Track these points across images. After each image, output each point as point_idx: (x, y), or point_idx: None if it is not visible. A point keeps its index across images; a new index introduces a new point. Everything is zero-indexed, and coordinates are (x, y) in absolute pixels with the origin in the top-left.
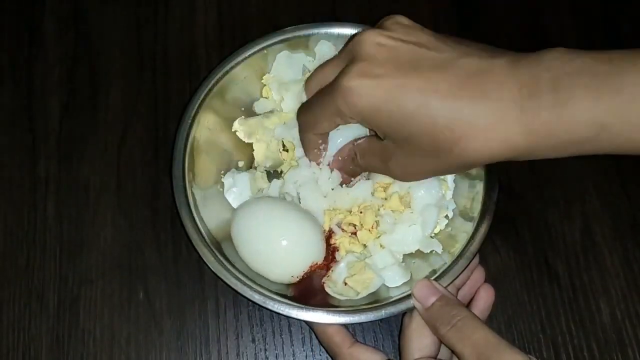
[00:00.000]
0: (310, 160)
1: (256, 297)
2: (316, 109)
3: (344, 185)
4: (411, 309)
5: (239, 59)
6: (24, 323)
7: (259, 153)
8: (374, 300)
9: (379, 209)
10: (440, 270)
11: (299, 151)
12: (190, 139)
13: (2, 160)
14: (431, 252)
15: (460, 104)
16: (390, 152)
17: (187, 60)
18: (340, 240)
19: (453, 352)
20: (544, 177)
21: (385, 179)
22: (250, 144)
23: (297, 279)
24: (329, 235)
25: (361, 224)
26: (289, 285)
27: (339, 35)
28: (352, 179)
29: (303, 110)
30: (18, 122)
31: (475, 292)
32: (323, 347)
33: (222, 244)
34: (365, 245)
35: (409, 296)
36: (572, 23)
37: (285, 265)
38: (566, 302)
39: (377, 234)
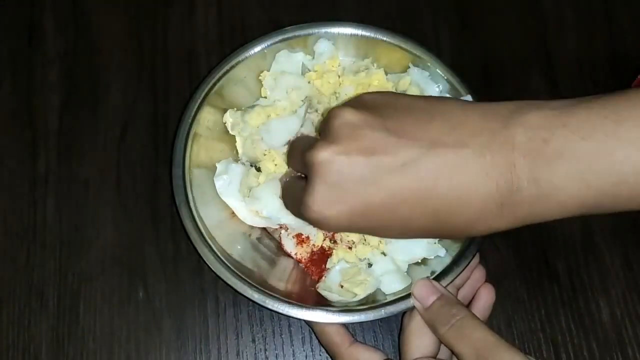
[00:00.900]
0: None
1: (255, 297)
2: (291, 205)
3: None
4: (411, 309)
5: (239, 58)
6: (24, 321)
7: (238, 146)
8: (373, 300)
9: None
10: (440, 270)
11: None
12: (190, 138)
13: (2, 158)
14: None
15: (434, 206)
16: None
17: (187, 60)
18: (335, 250)
19: (452, 351)
20: None
21: None
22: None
23: None
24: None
25: (363, 241)
26: (288, 286)
27: (338, 35)
28: None
29: (284, 192)
30: (18, 119)
31: (475, 292)
32: (322, 346)
33: (221, 243)
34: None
35: (408, 296)
36: (572, 23)
37: None
38: (566, 301)
39: (379, 246)
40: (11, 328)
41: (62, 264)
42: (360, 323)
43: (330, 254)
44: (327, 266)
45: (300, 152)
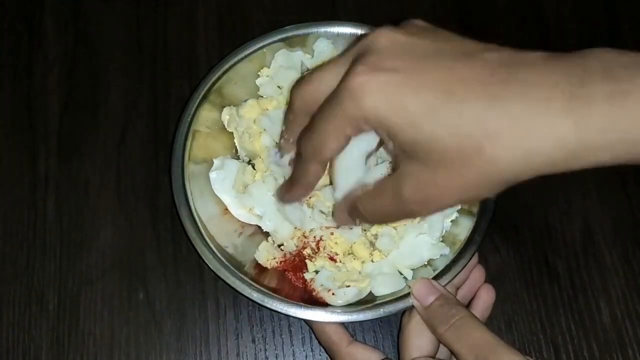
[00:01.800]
0: (298, 196)
1: (254, 295)
2: (321, 125)
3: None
4: (410, 308)
5: (238, 57)
6: (24, 323)
7: (236, 142)
8: (372, 300)
9: (374, 235)
10: (439, 270)
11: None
12: (189, 138)
13: (2, 159)
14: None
15: (491, 92)
16: (404, 177)
17: (187, 60)
18: (314, 259)
19: (451, 351)
20: (544, 177)
21: None
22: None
23: None
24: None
25: (353, 256)
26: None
27: (338, 34)
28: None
29: (304, 135)
30: (18, 121)
31: (475, 292)
32: (321, 345)
33: (221, 242)
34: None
35: (408, 295)
36: (573, 23)
37: None
38: (566, 301)
39: (372, 258)
40: (11, 330)
41: (62, 266)
42: (360, 322)
43: (310, 259)
44: (305, 276)
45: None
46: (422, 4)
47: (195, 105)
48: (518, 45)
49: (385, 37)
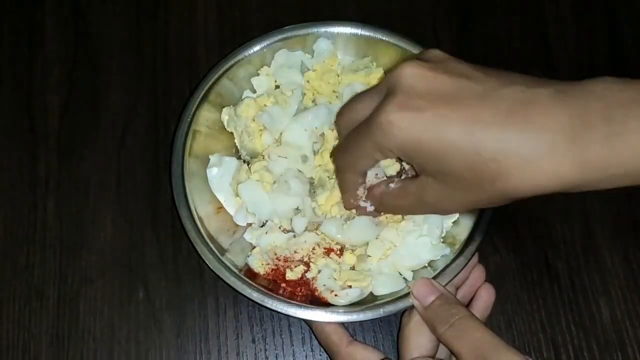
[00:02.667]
0: (351, 202)
1: (254, 295)
2: (353, 148)
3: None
4: (410, 308)
5: (238, 57)
6: (24, 321)
7: (236, 142)
8: (373, 300)
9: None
10: (439, 269)
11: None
12: (189, 138)
13: (2, 159)
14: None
15: (506, 134)
16: (426, 188)
17: (187, 60)
18: (313, 262)
19: (451, 351)
20: None
21: None
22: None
23: None
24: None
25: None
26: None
27: (338, 34)
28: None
29: (339, 152)
30: (18, 121)
31: (475, 292)
32: (321, 345)
33: (221, 243)
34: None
35: (408, 295)
36: (573, 24)
37: None
38: (566, 302)
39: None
40: (11, 328)
41: (62, 265)
42: (360, 322)
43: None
44: (308, 276)
45: (368, 97)
46: (422, 4)
47: (195, 106)
48: (518, 47)
49: (411, 75)
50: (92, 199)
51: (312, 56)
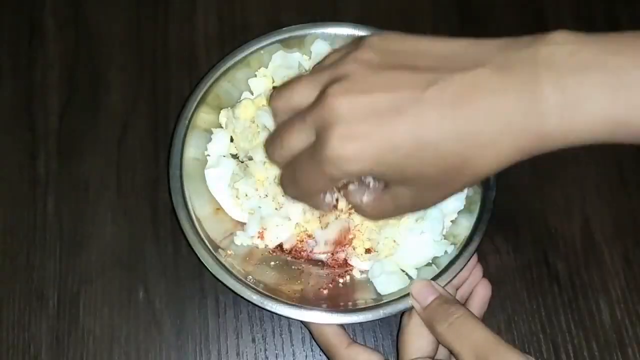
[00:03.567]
0: (326, 209)
1: (254, 298)
2: (303, 181)
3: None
4: (410, 309)
5: (236, 59)
6: (24, 321)
7: (235, 143)
8: (372, 300)
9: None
10: (438, 269)
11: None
12: (188, 138)
13: (2, 158)
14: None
15: (458, 126)
16: (399, 196)
17: (187, 60)
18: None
19: (450, 351)
20: (544, 177)
21: None
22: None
23: None
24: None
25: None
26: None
27: (335, 36)
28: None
29: (287, 186)
30: (18, 120)
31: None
32: (320, 348)
33: (221, 244)
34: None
35: (407, 296)
36: (572, 24)
37: None
38: (566, 301)
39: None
40: (11, 328)
41: (62, 264)
42: (360, 324)
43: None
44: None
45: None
46: (422, 4)
47: (193, 108)
48: None
49: (342, 106)
50: (92, 198)
51: (310, 57)
